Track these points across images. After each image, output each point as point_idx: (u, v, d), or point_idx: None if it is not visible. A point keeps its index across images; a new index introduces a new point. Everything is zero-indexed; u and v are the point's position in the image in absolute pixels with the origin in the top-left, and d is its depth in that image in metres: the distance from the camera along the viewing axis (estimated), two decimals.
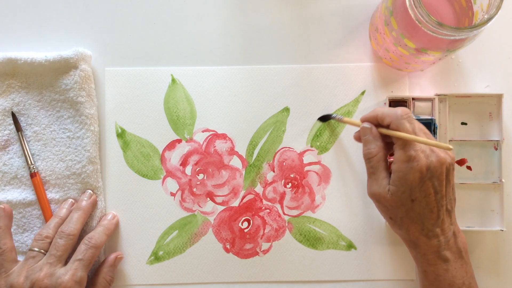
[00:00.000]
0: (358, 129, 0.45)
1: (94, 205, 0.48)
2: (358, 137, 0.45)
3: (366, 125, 0.43)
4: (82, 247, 0.45)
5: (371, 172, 0.42)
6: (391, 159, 0.42)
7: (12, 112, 0.49)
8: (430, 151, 0.40)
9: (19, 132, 0.49)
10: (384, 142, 0.43)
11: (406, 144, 0.40)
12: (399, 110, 0.41)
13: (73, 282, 0.43)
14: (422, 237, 0.41)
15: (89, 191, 0.48)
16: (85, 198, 0.48)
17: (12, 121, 0.49)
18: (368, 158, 0.43)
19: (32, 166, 0.49)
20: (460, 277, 0.41)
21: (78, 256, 0.44)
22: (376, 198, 0.42)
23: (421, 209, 0.40)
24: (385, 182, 0.41)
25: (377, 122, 0.43)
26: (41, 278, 0.42)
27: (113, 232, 0.49)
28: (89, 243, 0.45)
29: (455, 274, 0.41)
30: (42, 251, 0.45)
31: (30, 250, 0.45)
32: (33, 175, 0.49)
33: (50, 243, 0.45)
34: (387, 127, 0.42)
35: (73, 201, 0.48)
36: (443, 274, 0.41)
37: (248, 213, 0.50)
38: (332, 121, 0.50)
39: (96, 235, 0.46)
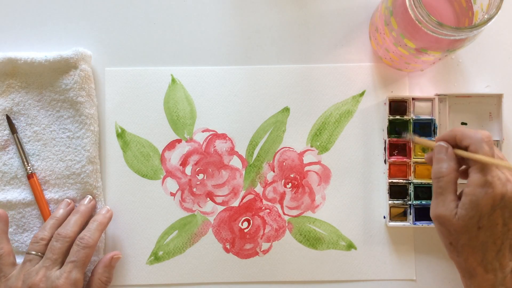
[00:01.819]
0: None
1: (93, 209, 0.48)
2: (430, 159, 0.43)
3: (443, 143, 0.41)
4: (74, 248, 0.44)
5: (439, 193, 0.40)
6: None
7: (6, 115, 0.49)
8: (506, 180, 0.39)
9: (15, 135, 0.49)
10: (457, 164, 0.41)
11: (484, 168, 0.38)
12: (480, 133, 0.39)
13: (67, 285, 0.43)
14: (479, 268, 0.39)
15: (89, 196, 0.48)
16: (85, 203, 0.48)
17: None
18: (438, 177, 0.40)
19: (28, 167, 0.49)
20: None
21: (72, 257, 0.44)
22: (440, 220, 0.40)
23: (485, 238, 0.39)
24: (453, 205, 0.39)
25: (454, 143, 0.41)
26: (37, 282, 0.42)
27: (107, 226, 0.48)
28: (81, 244, 0.44)
29: None
30: (39, 254, 0.45)
31: (27, 253, 0.45)
32: (30, 176, 0.49)
33: (47, 245, 0.45)
34: (465, 148, 0.40)
35: (69, 201, 0.48)
36: None
37: (248, 213, 0.50)
38: (331, 120, 0.50)
39: (87, 234, 0.45)
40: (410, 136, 0.47)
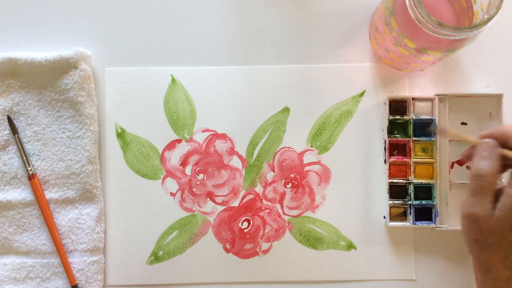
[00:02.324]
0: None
1: None
2: (468, 156, 0.41)
3: (491, 141, 0.40)
4: None
5: (478, 192, 0.39)
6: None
7: (7, 115, 0.49)
8: None
9: (15, 135, 0.49)
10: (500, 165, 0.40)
11: None
12: None
13: None
14: (499, 264, 0.39)
15: None
16: None
17: None
18: (480, 175, 0.39)
19: (29, 168, 0.49)
20: None
21: None
22: (474, 219, 0.39)
23: None
24: (490, 206, 0.38)
25: (502, 141, 0.40)
26: None
27: None
28: None
29: None
30: None
31: None
32: (31, 177, 0.49)
33: None
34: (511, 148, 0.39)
35: None
36: None
37: (248, 213, 0.50)
38: (331, 120, 0.50)
39: None
40: (440, 129, 0.44)
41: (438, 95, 0.49)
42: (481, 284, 0.41)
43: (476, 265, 0.42)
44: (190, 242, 0.50)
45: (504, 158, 0.40)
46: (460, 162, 0.50)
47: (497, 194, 0.39)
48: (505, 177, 0.43)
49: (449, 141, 0.49)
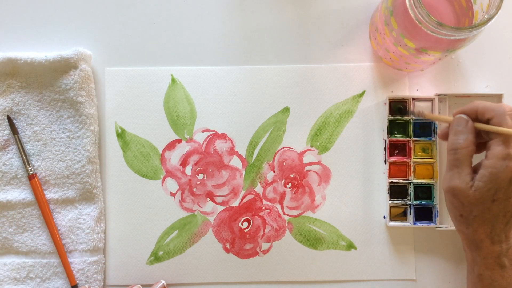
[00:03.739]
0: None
1: None
2: (444, 135, 0.43)
3: (463, 116, 0.41)
4: None
5: (455, 165, 0.40)
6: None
7: (8, 116, 0.49)
8: None
9: (16, 135, 0.49)
10: (475, 138, 0.41)
11: (507, 141, 0.38)
12: (503, 106, 0.39)
13: None
14: (487, 240, 0.40)
15: (162, 281, 0.48)
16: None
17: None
18: (455, 149, 0.40)
19: (29, 168, 0.49)
20: None
21: None
22: (454, 192, 0.40)
23: (498, 211, 0.39)
24: (468, 178, 0.39)
25: (474, 116, 0.41)
26: None
27: None
28: None
29: (510, 282, 0.40)
30: None
31: None
32: (31, 177, 0.49)
33: None
34: (486, 122, 0.40)
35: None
36: (499, 280, 0.40)
37: (248, 213, 0.50)
38: (331, 120, 0.50)
39: None
40: (418, 112, 0.45)
41: (438, 95, 0.49)
42: (472, 263, 0.42)
43: (465, 244, 0.42)
44: (190, 242, 0.50)
45: (479, 135, 0.41)
46: None
47: (476, 169, 0.40)
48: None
49: None
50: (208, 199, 0.50)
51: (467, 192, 0.39)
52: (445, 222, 0.49)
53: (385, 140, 0.50)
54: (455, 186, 0.40)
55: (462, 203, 0.40)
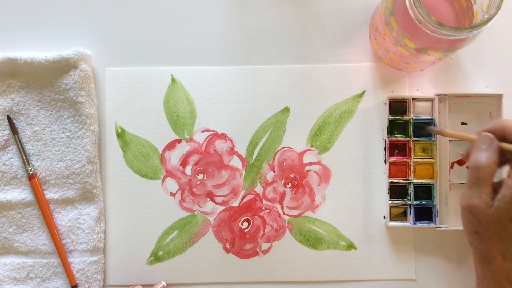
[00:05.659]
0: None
1: None
2: (468, 156, 0.42)
3: (489, 135, 0.40)
4: None
5: (475, 183, 0.39)
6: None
7: (8, 116, 0.49)
8: None
9: (16, 135, 0.49)
10: (498, 158, 0.40)
11: None
12: None
13: None
14: (499, 257, 0.40)
15: (163, 282, 0.49)
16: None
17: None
18: (477, 167, 0.39)
19: (29, 168, 0.49)
20: None
21: None
22: (473, 211, 0.39)
23: None
24: (488, 198, 0.39)
25: (501, 135, 0.40)
26: None
27: None
28: None
29: None
30: None
31: None
32: (31, 177, 0.49)
33: None
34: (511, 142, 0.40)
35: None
36: None
37: (248, 213, 0.50)
38: (331, 120, 0.50)
39: None
40: (438, 130, 0.44)
41: (438, 95, 0.49)
42: (481, 276, 0.42)
43: (476, 258, 0.42)
44: (190, 242, 0.50)
45: (503, 153, 0.40)
46: (460, 162, 0.50)
47: (496, 187, 0.40)
48: (505, 172, 0.43)
49: (449, 141, 0.49)
50: (208, 199, 0.50)
51: (486, 211, 0.39)
52: (445, 222, 0.49)
53: (385, 140, 0.50)
54: (474, 205, 0.39)
55: (479, 221, 0.39)
